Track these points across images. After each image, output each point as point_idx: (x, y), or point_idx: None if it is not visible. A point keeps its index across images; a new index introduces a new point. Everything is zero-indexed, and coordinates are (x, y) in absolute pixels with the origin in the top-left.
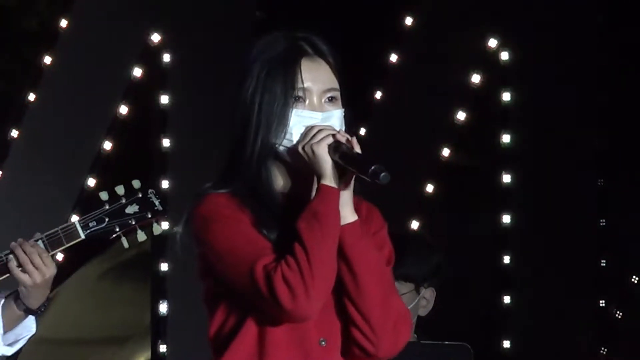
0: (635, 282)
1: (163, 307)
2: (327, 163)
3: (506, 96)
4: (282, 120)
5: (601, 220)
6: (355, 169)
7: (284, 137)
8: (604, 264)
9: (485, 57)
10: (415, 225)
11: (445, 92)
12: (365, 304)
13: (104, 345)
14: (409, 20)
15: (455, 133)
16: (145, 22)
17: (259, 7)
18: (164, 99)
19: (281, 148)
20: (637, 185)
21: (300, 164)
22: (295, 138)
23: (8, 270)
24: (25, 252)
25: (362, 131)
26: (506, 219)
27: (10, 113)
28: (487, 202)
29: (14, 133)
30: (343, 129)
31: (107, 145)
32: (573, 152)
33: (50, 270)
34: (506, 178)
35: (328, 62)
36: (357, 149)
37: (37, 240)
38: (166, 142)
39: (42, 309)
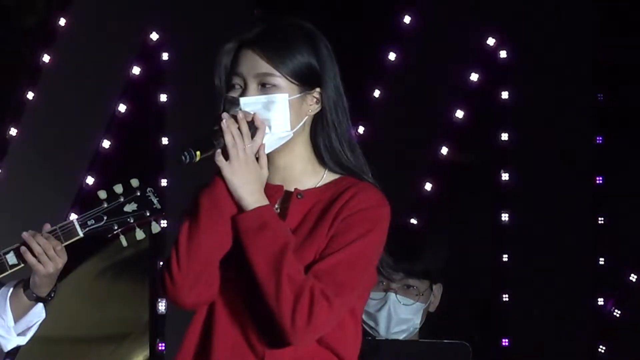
0: (634, 280)
1: (162, 306)
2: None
3: (504, 94)
4: (220, 104)
5: (599, 218)
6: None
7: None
8: (602, 262)
9: (483, 56)
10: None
11: (444, 91)
12: (261, 292)
13: (102, 344)
14: (407, 19)
15: (454, 131)
16: (143, 21)
17: (257, 5)
18: (163, 97)
19: None
20: (635, 183)
21: None
22: None
23: (23, 261)
24: (39, 244)
25: (361, 129)
26: (505, 217)
27: (8, 111)
28: (485, 200)
29: (13, 131)
30: (284, 115)
31: (106, 144)
32: (571, 150)
33: (63, 260)
34: (504, 176)
35: (264, 49)
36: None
37: (51, 232)
38: (164, 141)
39: (52, 295)
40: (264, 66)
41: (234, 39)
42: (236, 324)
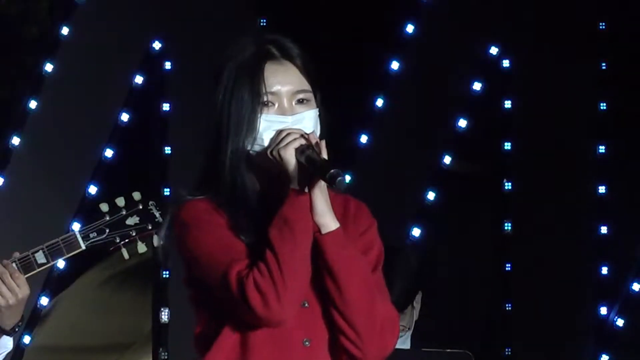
0: (637, 289)
1: (164, 315)
2: (293, 167)
3: (507, 104)
4: (251, 126)
5: (602, 227)
6: (317, 173)
7: (255, 143)
8: (605, 272)
9: (486, 65)
10: (417, 232)
11: (446, 100)
12: (350, 312)
13: (105, 353)
14: (410, 28)
15: (457, 140)
16: (146, 30)
17: (260, 14)
18: (165, 107)
19: (253, 153)
20: (638, 192)
21: (272, 168)
22: (266, 142)
23: None
24: None
25: (364, 139)
26: (507, 226)
27: (11, 121)
28: (488, 209)
29: (15, 141)
30: (318, 129)
31: (109, 153)
32: (574, 159)
33: (23, 291)
34: (507, 185)
35: (296, 64)
36: (324, 153)
37: (13, 262)
38: (167, 150)
39: (17, 329)
40: (303, 82)
41: (252, 53)
42: (277, 338)
